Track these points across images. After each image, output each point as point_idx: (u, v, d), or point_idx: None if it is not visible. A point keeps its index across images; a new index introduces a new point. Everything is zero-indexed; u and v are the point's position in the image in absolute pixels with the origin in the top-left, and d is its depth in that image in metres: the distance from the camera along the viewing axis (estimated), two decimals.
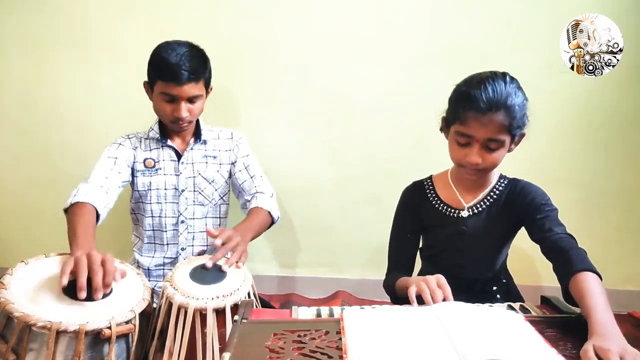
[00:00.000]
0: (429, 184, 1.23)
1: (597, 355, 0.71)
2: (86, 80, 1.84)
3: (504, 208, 1.14)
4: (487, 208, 1.15)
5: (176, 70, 1.27)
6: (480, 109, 0.99)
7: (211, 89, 1.43)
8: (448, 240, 1.19)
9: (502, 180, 1.17)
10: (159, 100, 1.33)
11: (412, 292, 0.92)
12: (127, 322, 0.94)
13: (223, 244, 1.18)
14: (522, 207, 1.11)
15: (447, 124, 1.11)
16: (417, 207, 1.23)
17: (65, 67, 1.83)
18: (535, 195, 1.11)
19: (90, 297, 0.93)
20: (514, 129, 1.02)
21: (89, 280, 0.93)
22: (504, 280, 1.23)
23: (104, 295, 0.96)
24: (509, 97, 0.99)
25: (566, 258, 0.94)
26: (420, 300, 0.91)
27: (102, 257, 0.97)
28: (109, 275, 0.95)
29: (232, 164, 1.50)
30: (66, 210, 1.19)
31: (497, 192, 1.15)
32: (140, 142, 1.44)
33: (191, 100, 1.33)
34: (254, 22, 1.77)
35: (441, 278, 0.94)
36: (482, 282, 1.20)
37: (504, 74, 1.04)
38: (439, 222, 1.19)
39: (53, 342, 0.84)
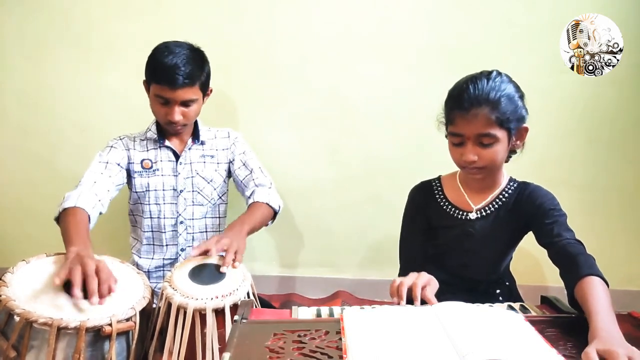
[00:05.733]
0: (437, 184, 1.23)
1: (602, 358, 0.70)
2: (86, 80, 1.84)
3: (512, 211, 1.13)
4: (496, 211, 1.14)
5: (170, 74, 1.26)
6: (463, 107, 1.02)
7: (211, 90, 1.42)
8: (455, 242, 1.18)
9: (511, 184, 1.16)
10: (154, 101, 1.34)
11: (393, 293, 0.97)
12: (127, 320, 0.94)
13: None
14: (530, 211, 1.10)
15: (446, 128, 1.12)
16: (424, 207, 1.22)
17: (66, 68, 1.83)
18: (545, 199, 1.10)
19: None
20: (505, 123, 1.02)
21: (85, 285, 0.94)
22: (507, 283, 1.23)
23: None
24: (492, 92, 1.01)
25: (573, 263, 0.94)
26: (410, 300, 0.94)
27: (96, 265, 0.96)
28: (103, 284, 0.95)
29: (230, 162, 1.50)
30: (57, 220, 1.18)
31: (507, 195, 1.15)
32: (135, 142, 1.43)
33: (186, 103, 1.32)
34: (254, 22, 1.78)
35: (422, 276, 0.97)
36: (485, 283, 1.20)
37: (491, 71, 1.06)
38: (446, 224, 1.18)
39: (54, 339, 0.85)
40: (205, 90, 1.39)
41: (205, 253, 1.16)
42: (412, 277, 0.97)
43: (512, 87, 1.05)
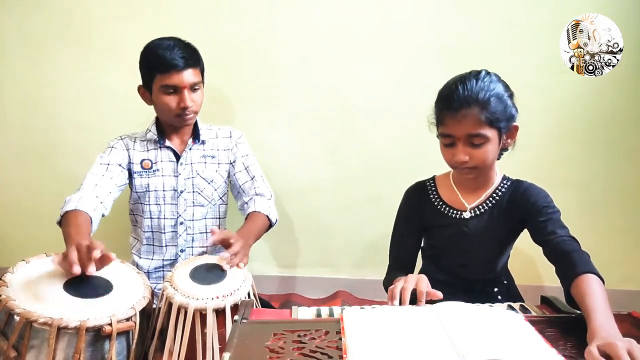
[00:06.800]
0: (432, 184, 1.23)
1: (603, 353, 0.71)
2: (87, 80, 1.84)
3: (506, 210, 1.14)
4: (490, 209, 1.15)
5: (173, 57, 1.28)
6: (453, 108, 1.02)
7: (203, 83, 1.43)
8: (450, 241, 1.18)
9: (505, 182, 1.16)
10: (160, 96, 1.33)
11: (390, 294, 0.95)
12: (127, 319, 0.94)
13: (226, 246, 1.20)
14: (524, 209, 1.11)
15: (437, 129, 1.12)
16: (419, 207, 1.22)
17: (66, 67, 1.83)
18: (538, 197, 1.11)
19: (90, 295, 0.94)
20: (495, 122, 1.02)
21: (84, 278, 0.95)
22: (505, 282, 1.23)
23: (105, 293, 0.97)
24: (481, 92, 1.01)
25: (569, 261, 0.94)
26: (413, 301, 0.93)
27: (89, 243, 0.96)
28: (94, 249, 0.94)
29: (231, 163, 1.50)
30: (60, 224, 1.19)
31: (500, 193, 1.15)
32: (135, 142, 1.43)
33: (193, 88, 1.33)
34: (253, 22, 1.78)
35: (423, 279, 0.96)
36: (483, 282, 1.20)
37: (479, 71, 1.06)
38: (441, 223, 1.19)
39: (54, 339, 0.85)
40: (203, 77, 1.40)
41: (223, 242, 1.21)
42: (412, 281, 0.95)
43: (501, 87, 1.05)
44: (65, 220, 1.17)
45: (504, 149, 1.11)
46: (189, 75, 1.31)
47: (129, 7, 1.78)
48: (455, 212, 1.17)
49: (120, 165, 1.38)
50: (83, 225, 1.14)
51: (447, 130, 1.05)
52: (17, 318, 0.86)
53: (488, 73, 1.06)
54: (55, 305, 0.90)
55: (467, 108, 1.01)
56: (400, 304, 0.92)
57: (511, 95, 1.07)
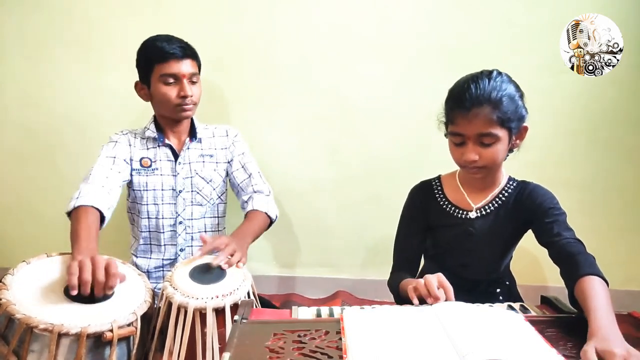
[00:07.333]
0: (437, 184, 1.23)
1: (600, 358, 0.71)
2: (87, 79, 1.84)
3: (512, 210, 1.14)
4: (496, 210, 1.15)
5: (172, 46, 1.31)
6: (464, 107, 1.02)
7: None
8: (455, 241, 1.18)
9: (511, 183, 1.16)
10: (160, 86, 1.33)
11: (412, 291, 0.95)
12: (128, 325, 0.94)
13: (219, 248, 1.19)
14: (530, 210, 1.11)
15: (446, 127, 1.12)
16: (425, 207, 1.22)
17: (66, 67, 1.83)
18: (544, 198, 1.10)
19: (91, 299, 0.94)
20: (506, 122, 1.02)
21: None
22: (507, 283, 1.23)
23: (106, 297, 0.96)
24: (493, 92, 1.01)
25: (573, 263, 0.94)
26: (422, 300, 0.93)
27: (106, 261, 0.97)
28: (111, 278, 0.96)
29: (229, 162, 1.50)
30: (69, 213, 1.18)
31: (506, 194, 1.15)
32: (136, 138, 1.43)
33: (192, 79, 1.35)
34: (254, 22, 1.78)
35: (441, 277, 0.95)
36: (486, 283, 1.20)
37: (491, 71, 1.06)
38: (446, 223, 1.18)
39: (54, 345, 0.84)
40: (200, 72, 1.40)
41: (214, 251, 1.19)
42: (435, 279, 0.94)
43: (513, 87, 1.05)
44: (75, 214, 1.15)
45: (510, 149, 1.11)
46: (187, 65, 1.33)
47: (129, 7, 1.78)
48: (461, 211, 1.17)
49: (125, 160, 1.38)
50: (93, 228, 1.13)
51: (457, 129, 1.05)
52: (17, 323, 0.85)
53: (500, 73, 1.06)
54: (55, 311, 0.89)
55: (479, 107, 1.01)
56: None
57: (522, 96, 1.07)
